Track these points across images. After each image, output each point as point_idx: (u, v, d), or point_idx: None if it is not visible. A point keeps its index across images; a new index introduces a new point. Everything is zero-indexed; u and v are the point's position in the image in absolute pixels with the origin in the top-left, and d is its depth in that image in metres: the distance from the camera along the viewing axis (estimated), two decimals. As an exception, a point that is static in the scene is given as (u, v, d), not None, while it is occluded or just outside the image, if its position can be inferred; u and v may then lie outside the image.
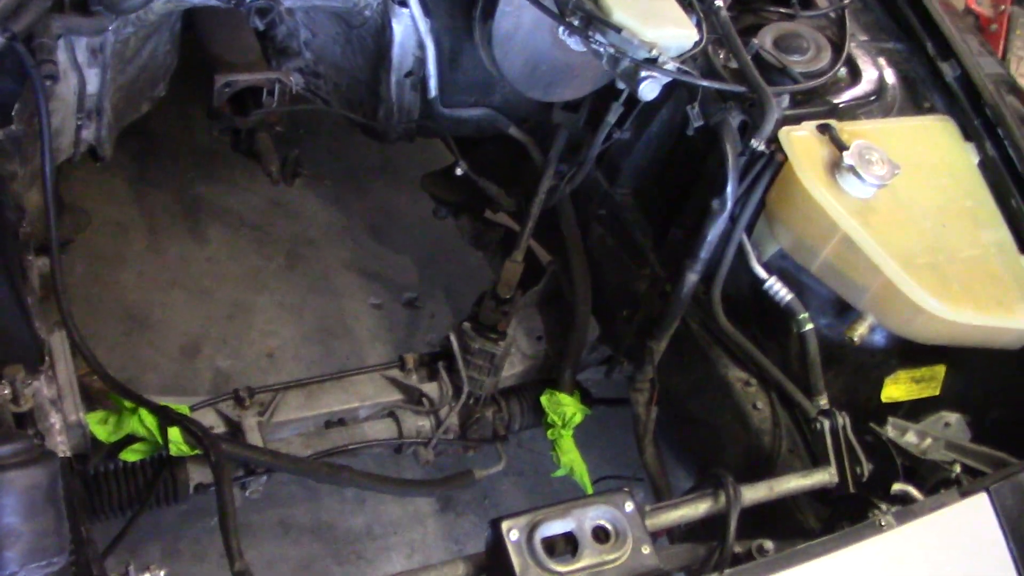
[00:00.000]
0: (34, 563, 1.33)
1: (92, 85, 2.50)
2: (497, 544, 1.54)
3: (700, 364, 2.34)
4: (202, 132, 3.66)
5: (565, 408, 2.57)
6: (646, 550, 1.59)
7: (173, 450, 2.20)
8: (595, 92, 2.63)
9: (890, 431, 2.20)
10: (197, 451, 2.22)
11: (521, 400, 2.68)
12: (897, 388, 2.25)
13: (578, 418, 2.58)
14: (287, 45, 3.02)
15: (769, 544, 1.70)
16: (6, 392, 1.73)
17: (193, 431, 2.11)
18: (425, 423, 2.55)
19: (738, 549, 1.73)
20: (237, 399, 2.44)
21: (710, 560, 1.71)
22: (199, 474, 2.32)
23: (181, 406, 2.30)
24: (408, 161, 3.82)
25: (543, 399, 2.60)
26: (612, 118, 2.47)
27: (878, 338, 2.20)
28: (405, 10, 2.54)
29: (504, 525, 1.55)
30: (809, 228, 2.15)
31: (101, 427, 2.18)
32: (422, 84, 2.72)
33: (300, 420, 2.49)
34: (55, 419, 1.82)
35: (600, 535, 1.59)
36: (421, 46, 2.62)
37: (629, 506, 1.62)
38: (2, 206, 1.79)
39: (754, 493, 1.84)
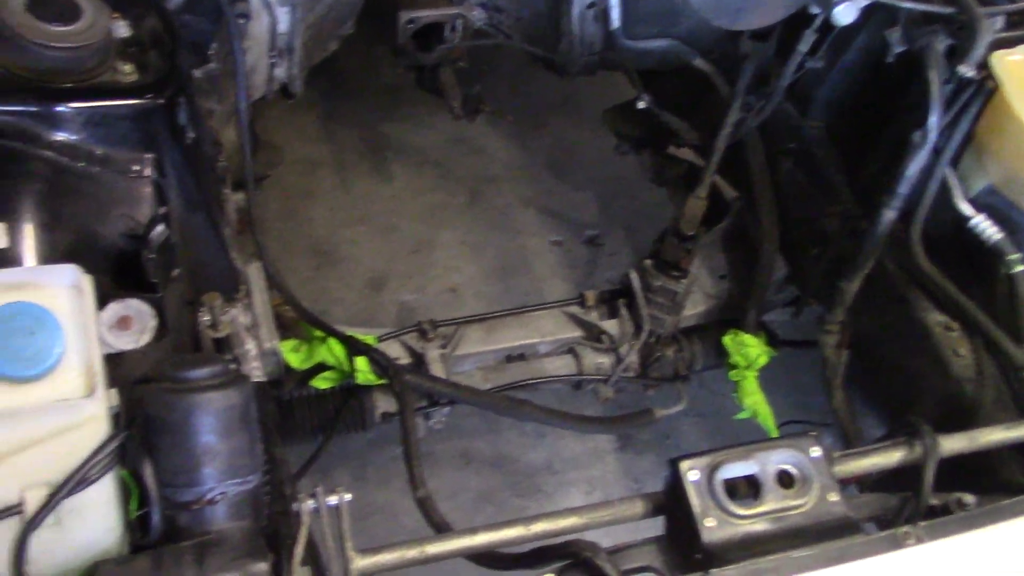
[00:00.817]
0: (230, 480, 1.40)
1: (283, 24, 2.56)
2: (675, 483, 1.51)
3: (895, 306, 2.21)
4: (387, 70, 3.72)
5: (749, 349, 2.49)
6: (833, 497, 1.52)
7: (360, 379, 2.26)
8: (785, 20, 2.50)
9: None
10: (382, 381, 2.28)
11: (703, 340, 2.62)
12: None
13: (763, 360, 2.50)
14: (470, -21, 3.01)
15: (970, 498, 1.59)
16: (206, 318, 1.81)
17: (379, 361, 2.16)
18: (605, 360, 2.53)
19: (934, 502, 1.63)
20: (421, 332, 2.48)
21: (903, 511, 1.63)
22: (385, 403, 2.39)
23: (368, 337, 2.36)
24: (589, 96, 3.76)
25: (726, 339, 2.53)
26: (804, 47, 2.34)
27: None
28: (588, -63, 2.47)
29: (683, 465, 1.51)
30: (1022, 159, 1.97)
31: (294, 355, 2.27)
32: (604, 15, 2.65)
33: (481, 354, 2.52)
34: (250, 345, 1.90)
35: (784, 480, 1.53)
36: (604, -26, 2.55)
37: (816, 451, 1.55)
38: (200, 141, 1.86)
39: (953, 443, 1.72)
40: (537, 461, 2.97)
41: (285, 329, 2.38)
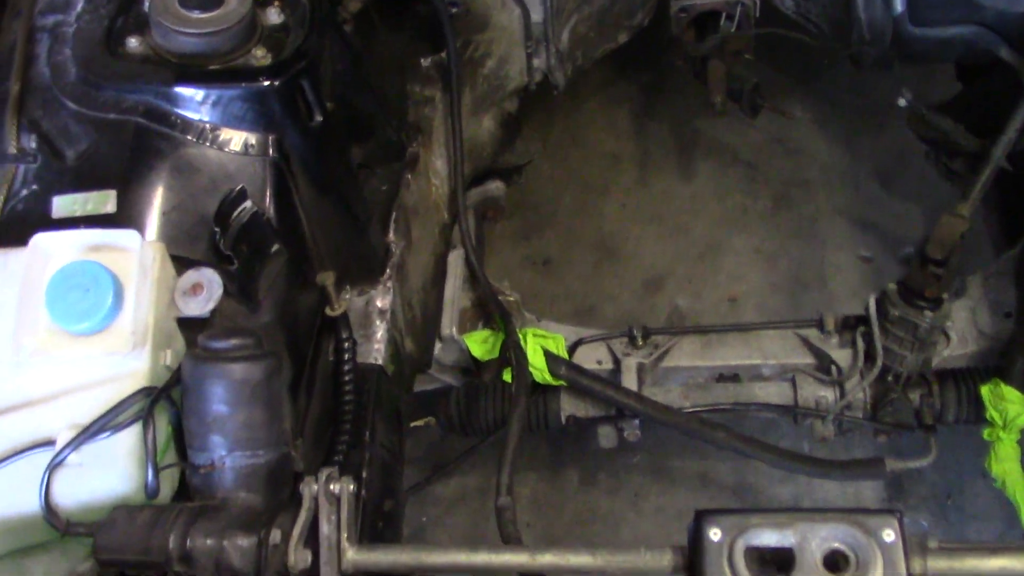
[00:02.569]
0: (239, 451, 1.43)
1: (536, 14, 2.56)
2: (696, 539, 1.28)
3: None
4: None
5: (1009, 405, 2.03)
6: (903, 597, 1.19)
7: (537, 377, 2.20)
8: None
9: None
10: (558, 382, 2.20)
11: (961, 386, 2.18)
12: None
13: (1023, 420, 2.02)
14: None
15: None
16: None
17: (510, 353, 2.08)
18: (827, 393, 2.21)
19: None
20: (630, 338, 2.35)
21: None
22: (572, 406, 2.30)
23: (556, 335, 2.28)
24: (943, 95, 3.28)
25: (984, 389, 2.08)
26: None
27: None
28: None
29: (707, 519, 1.27)
30: None
31: (479, 345, 2.26)
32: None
33: (690, 369, 2.32)
34: (379, 327, 1.92)
35: (836, 562, 1.23)
36: (886, -49, 2.22)
37: (889, 535, 1.22)
38: (368, 124, 1.92)
39: None
40: (783, 496, 2.68)
41: (490, 320, 2.38)
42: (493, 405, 2.29)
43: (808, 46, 2.69)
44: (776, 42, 2.81)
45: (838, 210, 3.19)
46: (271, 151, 1.71)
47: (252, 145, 1.69)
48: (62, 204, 1.63)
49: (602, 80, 3.55)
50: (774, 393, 2.25)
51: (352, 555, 1.40)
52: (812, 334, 2.30)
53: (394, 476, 1.93)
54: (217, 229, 1.58)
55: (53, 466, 1.43)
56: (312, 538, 1.40)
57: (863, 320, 2.26)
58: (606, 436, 2.32)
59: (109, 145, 1.65)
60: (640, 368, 2.29)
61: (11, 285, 1.52)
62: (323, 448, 1.72)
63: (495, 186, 2.77)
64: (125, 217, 1.61)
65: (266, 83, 1.68)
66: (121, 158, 1.65)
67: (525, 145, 2.82)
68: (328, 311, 1.78)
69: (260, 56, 1.72)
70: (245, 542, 1.37)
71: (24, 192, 1.65)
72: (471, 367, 2.34)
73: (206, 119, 1.68)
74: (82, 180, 1.64)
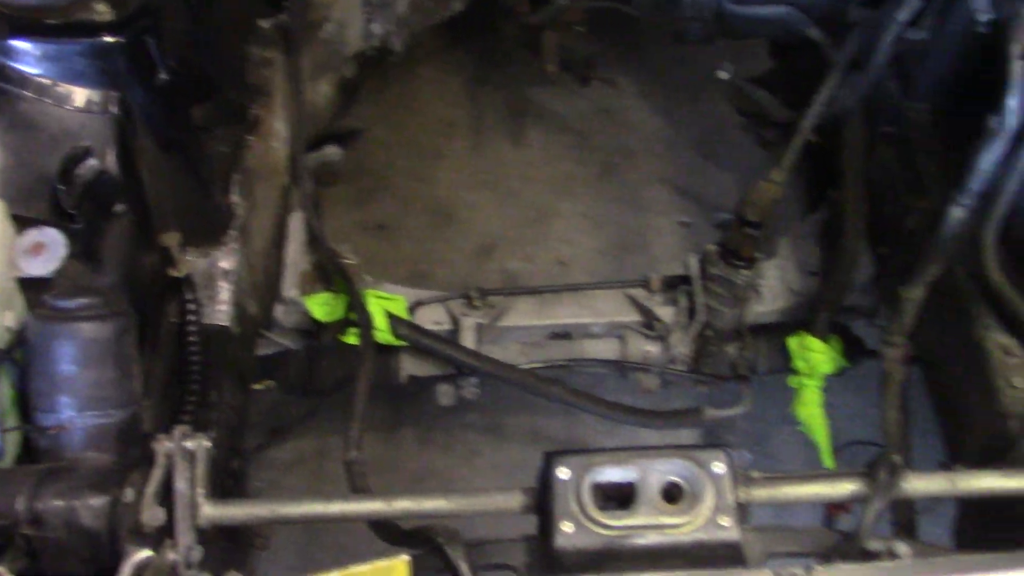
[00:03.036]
0: (89, 411, 1.42)
1: (376, -23, 2.56)
2: (545, 479, 1.37)
3: (958, 321, 1.89)
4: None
5: (813, 355, 2.22)
6: (725, 521, 1.32)
7: (380, 337, 2.24)
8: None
9: None
10: (403, 343, 2.25)
11: (775, 340, 2.36)
12: None
13: (827, 368, 2.22)
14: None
15: (903, 548, 1.33)
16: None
17: (358, 314, 2.12)
18: (653, 348, 2.35)
19: (878, 546, 1.38)
20: (467, 298, 2.42)
21: (833, 552, 1.39)
22: (414, 366, 2.35)
23: (397, 297, 2.33)
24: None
25: (791, 341, 2.26)
26: (904, 15, 2.05)
27: None
28: None
29: (556, 460, 1.37)
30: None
31: (320, 307, 2.28)
32: (710, -21, 2.46)
33: (526, 328, 2.42)
34: (222, 288, 1.91)
35: (672, 493, 1.35)
36: (709, -65, 2.35)
37: (719, 467, 1.35)
38: (209, 84, 1.90)
39: (927, 485, 1.45)
40: (610, 447, 2.82)
41: (330, 283, 2.40)
42: (334, 366, 2.32)
43: (630, 19, 2.83)
44: (601, 15, 2.93)
45: (659, 178, 3.36)
46: (114, 109, 1.68)
47: (95, 102, 1.66)
48: None
49: (435, 47, 3.59)
50: (604, 349, 2.38)
51: (208, 510, 1.42)
52: (638, 293, 2.43)
53: (240, 436, 1.93)
54: (61, 187, 1.54)
55: None
56: (166, 495, 1.41)
57: (685, 279, 2.41)
58: (445, 394, 2.39)
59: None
60: (478, 328, 2.36)
61: None
62: (169, 408, 1.71)
63: (332, 151, 2.77)
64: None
65: (111, 39, 1.65)
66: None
67: (367, 110, 2.83)
68: (172, 272, 1.77)
69: (101, 11, 1.68)
70: (97, 501, 1.37)
71: None
72: (311, 330, 2.36)
73: (46, 74, 1.63)
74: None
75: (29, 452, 1.47)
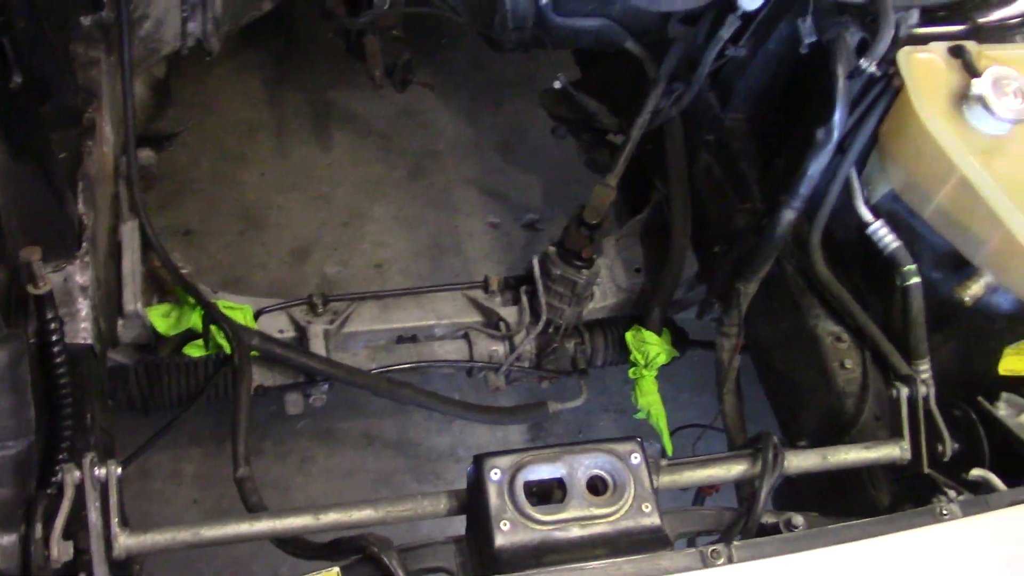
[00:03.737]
0: (-15, 444, 1.32)
1: (195, -25, 2.47)
2: (477, 481, 1.41)
3: (789, 312, 2.10)
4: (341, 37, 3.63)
5: (649, 347, 2.38)
6: (647, 507, 1.42)
7: (227, 348, 2.18)
8: (715, 7, 2.38)
9: (1002, 409, 1.89)
10: (255, 353, 2.20)
11: (607, 334, 2.51)
12: (1020, 360, 1.93)
13: (662, 359, 2.39)
14: (412, -51, 2.91)
15: (799, 519, 1.48)
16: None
17: (223, 327, 2.07)
18: (498, 348, 2.44)
19: (771, 520, 1.52)
20: (310, 305, 2.39)
21: (733, 528, 1.52)
22: (261, 376, 2.30)
23: (244, 306, 2.28)
24: (551, 77, 3.65)
25: (628, 335, 2.42)
26: (726, 33, 2.22)
27: (1000, 300, 1.88)
28: (517, -92, 2.36)
29: (487, 463, 1.41)
30: (924, 166, 1.85)
31: (162, 320, 2.19)
32: (537, -10, 2.54)
33: (371, 332, 2.43)
34: (82, 305, 1.81)
35: (597, 486, 1.43)
36: (534, -53, 2.44)
37: (636, 458, 1.45)
38: (31, 86, 1.77)
39: (802, 461, 1.62)
40: (441, 446, 2.88)
41: (165, 293, 2.31)
42: (178, 381, 2.23)
43: (435, 24, 2.86)
44: (409, 19, 2.97)
45: (467, 180, 3.45)
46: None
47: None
48: None
49: (231, 46, 3.48)
50: (452, 350, 2.43)
51: (125, 540, 1.36)
52: (479, 295, 2.51)
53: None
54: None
55: None
56: (78, 527, 1.33)
57: (523, 280, 2.51)
58: (293, 403, 2.36)
59: None
60: (326, 334, 2.35)
61: None
62: (42, 435, 1.59)
63: (145, 154, 2.64)
64: None
65: (-37, 39, 1.51)
66: None
67: (178, 112, 2.72)
68: (31, 289, 1.64)
69: (-54, 10, 1.54)
70: (6, 540, 1.27)
71: None
72: (149, 344, 2.25)
73: None
74: None
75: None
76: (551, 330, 2.45)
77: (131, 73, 2.17)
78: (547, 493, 1.44)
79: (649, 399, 2.38)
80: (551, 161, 3.53)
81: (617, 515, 1.41)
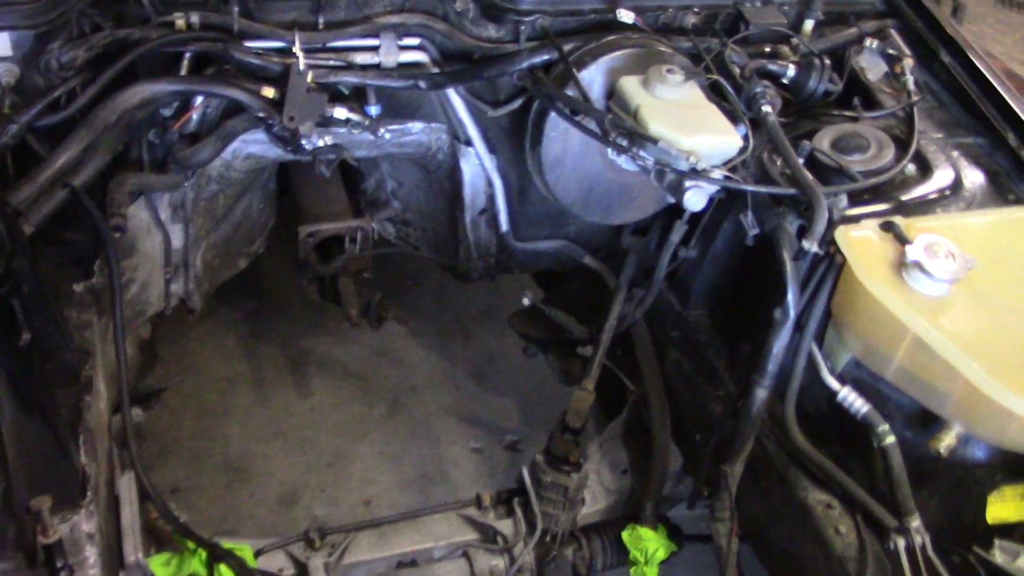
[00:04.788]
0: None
1: (177, 240, 2.63)
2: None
3: (778, 488, 2.16)
4: (310, 288, 3.81)
5: (647, 544, 2.42)
6: None
7: (235, 592, 2.17)
8: (664, 215, 2.59)
9: (998, 556, 1.94)
10: (256, 593, 2.19)
11: (603, 537, 2.54)
12: (1004, 507, 2.00)
13: (661, 554, 2.42)
14: (377, 196, 3.14)
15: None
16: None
17: (234, 567, 2.08)
18: (499, 562, 2.44)
19: None
20: (307, 540, 2.41)
21: None
22: (264, 618, 2.28)
23: (243, 546, 2.28)
24: (513, 305, 3.81)
25: (624, 534, 2.46)
26: (676, 237, 2.42)
27: (974, 450, 1.98)
28: (471, 149, 2.59)
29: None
30: (877, 331, 1.99)
31: (163, 568, 2.19)
32: (495, 220, 2.75)
33: (371, 562, 2.43)
34: (90, 553, 1.82)
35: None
36: (490, 183, 2.66)
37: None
38: (38, 343, 1.87)
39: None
40: None
41: (161, 543, 2.32)
42: (181, 631, 2.20)
43: (395, 266, 3.04)
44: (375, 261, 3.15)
45: (446, 410, 3.53)
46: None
47: None
48: None
49: (207, 306, 3.63)
50: (453, 570, 2.43)
51: None
52: (472, 512, 2.54)
53: None
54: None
55: None
56: None
57: (514, 492, 2.56)
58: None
59: None
60: (326, 568, 2.35)
61: None
62: None
63: (135, 412, 2.71)
64: None
65: None
66: None
67: (165, 370, 2.81)
68: (42, 539, 1.67)
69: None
70: None
71: None
72: (150, 595, 2.24)
73: None
74: None
75: None
76: (548, 539, 2.47)
77: (124, 334, 2.27)
78: None
79: (654, 596, 2.38)
80: (523, 383, 3.65)
81: None
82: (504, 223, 2.72)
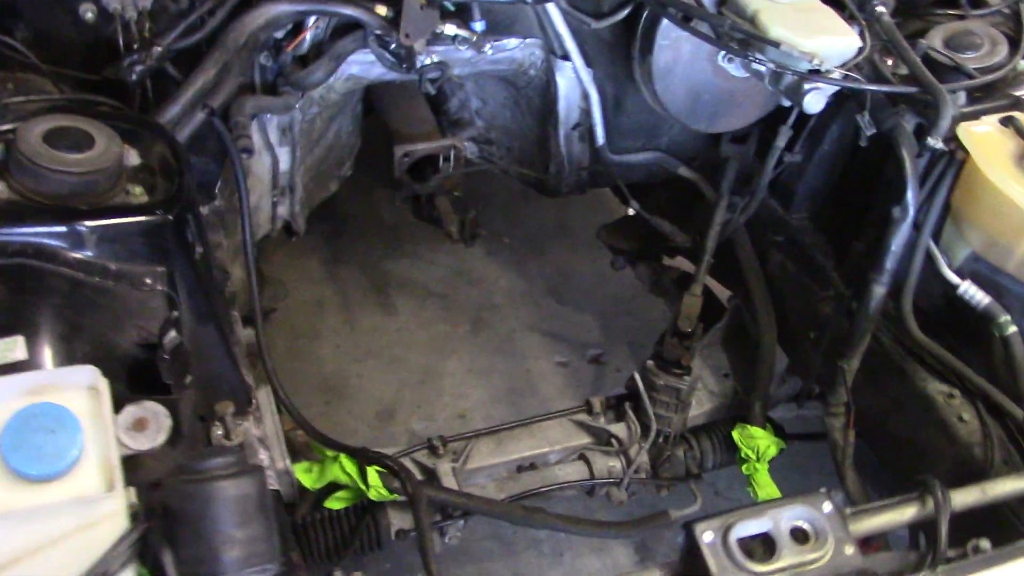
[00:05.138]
0: (249, 568, 1.41)
1: (284, 163, 2.69)
2: (691, 547, 1.51)
3: (896, 380, 2.24)
4: (387, 210, 3.89)
5: (758, 441, 2.50)
6: (849, 550, 1.52)
7: (373, 494, 2.27)
8: (763, 121, 2.62)
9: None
10: (395, 496, 2.29)
11: (712, 437, 2.63)
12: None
13: (772, 451, 2.50)
14: (460, 117, 3.17)
15: (986, 543, 1.59)
16: (218, 431, 1.85)
17: (392, 468, 2.17)
18: (616, 463, 2.54)
19: (951, 554, 1.62)
20: (431, 448, 2.50)
21: (922, 567, 1.62)
22: (400, 519, 2.38)
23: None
24: (583, 222, 3.91)
25: (735, 433, 2.54)
26: (781, 142, 2.46)
27: (1094, 336, 2.05)
28: (568, 63, 2.62)
29: (698, 528, 1.52)
30: (1001, 225, 2.05)
31: (306, 475, 2.29)
32: (590, 134, 2.79)
33: (492, 466, 2.53)
34: (263, 456, 1.92)
35: (799, 536, 1.54)
36: (585, 97, 2.69)
37: (827, 507, 1.56)
38: (209, 266, 1.94)
39: (965, 497, 1.73)
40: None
41: (296, 454, 2.41)
42: (326, 535, 2.31)
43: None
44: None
45: (528, 326, 3.61)
46: (162, 284, 1.70)
47: (146, 278, 1.68)
48: (-38, 357, 1.49)
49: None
50: (573, 472, 2.53)
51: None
52: (584, 417, 2.63)
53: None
54: (165, 357, 1.54)
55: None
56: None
57: (622, 398, 2.64)
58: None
59: (3, 290, 1.55)
60: (454, 472, 2.45)
61: (-66, 448, 1.36)
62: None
63: (245, 333, 2.79)
64: (38, 361, 1.51)
65: (160, 217, 1.69)
66: (17, 302, 1.55)
67: (273, 290, 2.89)
68: (225, 441, 1.77)
69: (138, 193, 1.72)
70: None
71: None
72: (292, 502, 2.34)
73: (100, 255, 1.64)
74: (-17, 329, 1.51)
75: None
76: (661, 439, 2.56)
77: (255, 250, 2.34)
78: (750, 551, 1.54)
79: (768, 490, 2.48)
80: (600, 298, 3.73)
81: (824, 560, 1.51)
82: (600, 136, 2.76)
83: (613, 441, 2.57)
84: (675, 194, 2.96)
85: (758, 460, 2.50)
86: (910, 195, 2.12)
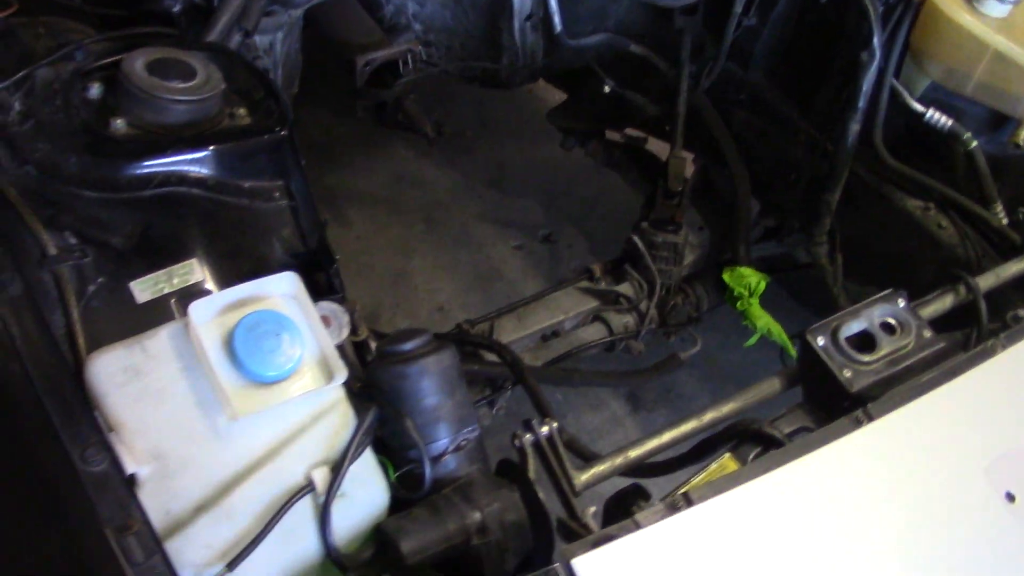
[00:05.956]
0: (462, 430, 1.58)
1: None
2: (807, 352, 1.78)
3: (877, 204, 2.57)
4: (315, 129, 3.91)
5: (748, 279, 2.78)
6: (927, 334, 1.82)
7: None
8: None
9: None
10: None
11: (704, 283, 2.91)
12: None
13: (762, 285, 2.79)
14: (396, 22, 3.23)
15: (1022, 311, 1.93)
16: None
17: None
18: (629, 319, 2.79)
19: (993, 327, 1.95)
20: (459, 330, 2.67)
21: (969, 344, 1.94)
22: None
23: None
24: (504, 116, 4.08)
25: (725, 275, 2.82)
26: (739, 8, 2.69)
27: (1039, 140, 2.42)
28: (522, -47, 2.75)
29: (810, 335, 1.78)
30: (958, 53, 2.37)
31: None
32: (544, 23, 2.94)
33: (520, 339, 2.73)
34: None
35: (887, 328, 1.82)
36: (540, -14, 2.83)
37: (902, 302, 1.85)
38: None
39: (985, 281, 2.07)
40: (594, 421, 3.19)
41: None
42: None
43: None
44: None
45: (477, 217, 3.79)
46: (286, 197, 1.79)
47: (275, 193, 1.77)
48: (144, 287, 1.56)
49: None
50: (593, 332, 2.76)
51: (580, 477, 1.64)
52: (588, 284, 2.85)
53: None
54: (337, 259, 1.65)
55: (326, 505, 1.43)
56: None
57: (620, 260, 2.88)
58: (484, 416, 2.62)
59: (160, 219, 1.61)
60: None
61: (166, 365, 1.45)
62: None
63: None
64: (217, 280, 1.60)
65: (282, 133, 1.77)
66: (178, 228, 1.62)
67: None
68: (352, 339, 1.89)
69: (243, 115, 1.79)
70: (514, 496, 1.54)
71: (92, 288, 1.53)
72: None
73: (235, 175, 1.71)
74: (151, 259, 1.58)
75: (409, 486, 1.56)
76: (663, 292, 2.82)
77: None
78: (863, 342, 1.81)
79: (764, 320, 2.78)
80: (537, 183, 3.93)
81: (912, 345, 1.80)
82: (558, 23, 2.91)
83: (622, 300, 2.81)
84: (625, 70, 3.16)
85: (751, 295, 2.80)
86: (876, 39, 2.40)
